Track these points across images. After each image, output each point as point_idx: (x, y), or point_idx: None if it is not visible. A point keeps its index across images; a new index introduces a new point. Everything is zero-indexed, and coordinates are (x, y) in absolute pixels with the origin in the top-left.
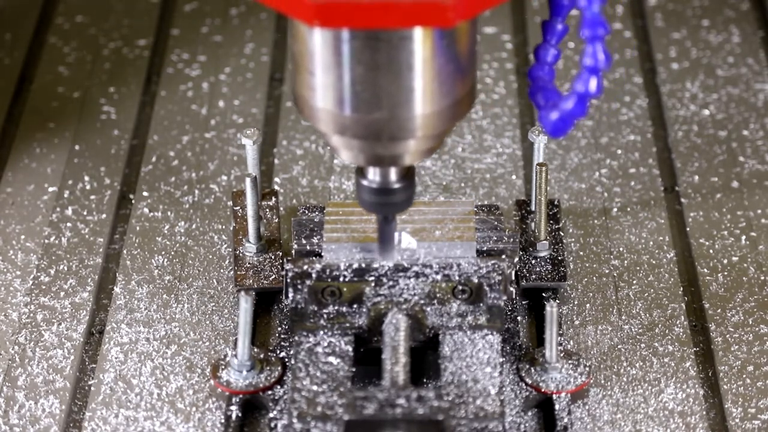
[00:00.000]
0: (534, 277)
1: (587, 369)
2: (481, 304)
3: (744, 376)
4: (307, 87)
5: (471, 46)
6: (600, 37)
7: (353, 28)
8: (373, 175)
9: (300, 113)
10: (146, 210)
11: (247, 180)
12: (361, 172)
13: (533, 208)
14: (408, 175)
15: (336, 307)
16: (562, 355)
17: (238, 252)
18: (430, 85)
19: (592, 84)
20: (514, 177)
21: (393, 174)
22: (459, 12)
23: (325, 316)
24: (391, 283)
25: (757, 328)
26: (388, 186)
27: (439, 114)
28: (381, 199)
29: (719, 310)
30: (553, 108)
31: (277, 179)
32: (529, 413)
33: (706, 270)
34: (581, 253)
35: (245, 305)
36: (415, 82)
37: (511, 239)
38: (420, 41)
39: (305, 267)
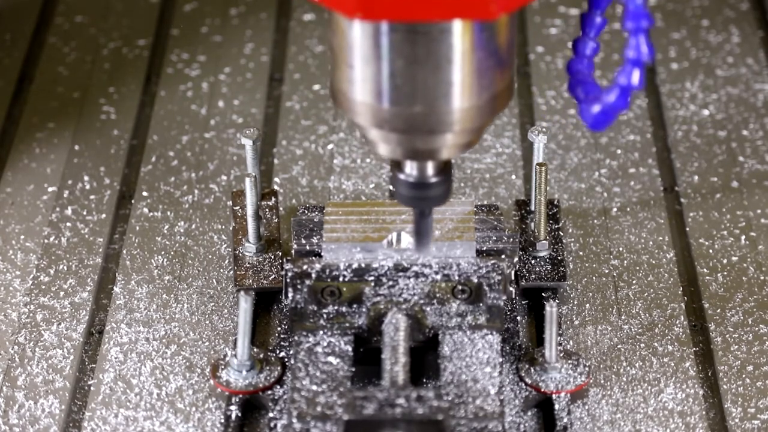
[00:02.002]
0: (534, 276)
1: (587, 369)
2: (481, 304)
3: (743, 376)
4: (346, 80)
5: (510, 39)
6: (643, 29)
7: (394, 20)
8: (411, 169)
9: (338, 107)
10: (146, 210)
11: (247, 180)
12: (398, 166)
13: (533, 208)
14: (445, 169)
15: (336, 307)
16: (561, 355)
17: (237, 252)
18: (469, 79)
19: (635, 76)
20: (513, 177)
21: (430, 168)
22: (502, 4)
23: (324, 316)
24: (390, 283)
25: (756, 328)
26: (425, 180)
27: (478, 108)
28: (418, 194)
29: (719, 310)
30: (595, 101)
31: (276, 179)
32: (529, 413)
33: (705, 270)
34: (581, 253)
35: (245, 305)
36: (454, 75)
37: (511, 239)
38: (460, 34)
39: (305, 267)
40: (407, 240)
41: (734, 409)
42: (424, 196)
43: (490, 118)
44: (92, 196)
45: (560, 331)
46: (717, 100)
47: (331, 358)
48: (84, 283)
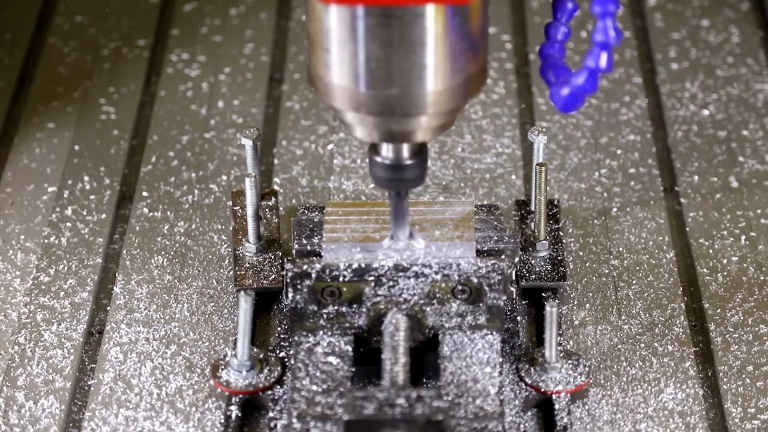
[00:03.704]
0: (534, 277)
1: (587, 369)
2: (481, 304)
3: (743, 376)
4: (323, 64)
5: (483, 23)
6: (611, 13)
7: (368, 4)
8: (386, 151)
9: (315, 91)
10: (146, 210)
11: (247, 180)
12: (374, 149)
13: (533, 208)
14: (420, 151)
15: (336, 307)
16: (561, 355)
17: (237, 252)
18: (443, 62)
19: (603, 59)
20: (513, 177)
21: (406, 150)
22: None
23: (324, 316)
24: (390, 283)
25: (756, 328)
26: (400, 162)
27: (452, 90)
28: (394, 175)
29: (719, 310)
30: (564, 84)
31: (276, 179)
32: (529, 413)
33: (705, 270)
34: (581, 253)
35: (245, 305)
36: (428, 58)
37: (512, 239)
38: (433, 18)
39: (305, 267)
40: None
41: (734, 409)
42: (400, 177)
43: (463, 101)
44: (92, 196)
45: (560, 331)
46: (717, 100)
47: (331, 358)
48: (84, 283)
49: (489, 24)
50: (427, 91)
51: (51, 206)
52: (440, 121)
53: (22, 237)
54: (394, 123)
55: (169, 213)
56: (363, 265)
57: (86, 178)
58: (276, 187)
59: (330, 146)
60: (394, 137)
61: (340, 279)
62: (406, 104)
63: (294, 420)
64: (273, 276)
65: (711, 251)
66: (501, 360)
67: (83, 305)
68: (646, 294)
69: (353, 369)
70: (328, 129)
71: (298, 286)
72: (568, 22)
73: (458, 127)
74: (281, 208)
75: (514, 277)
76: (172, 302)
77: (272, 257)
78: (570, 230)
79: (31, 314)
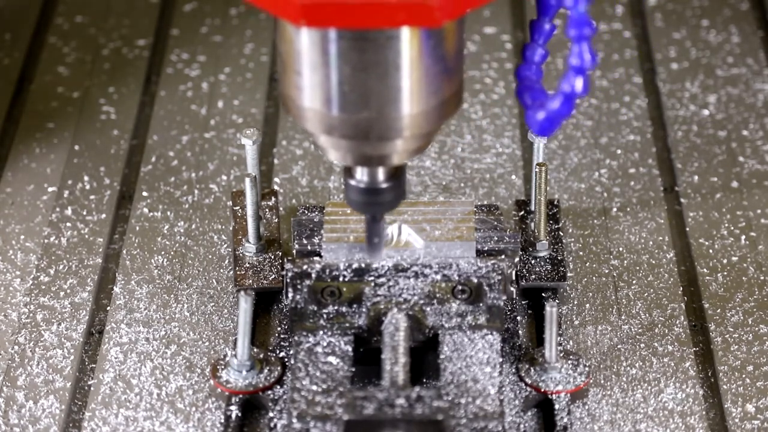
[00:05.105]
0: (534, 277)
1: (587, 369)
2: (481, 304)
3: (743, 376)
4: (295, 87)
5: (458, 45)
6: (586, 37)
7: (340, 28)
8: (361, 174)
9: (288, 113)
10: (146, 210)
11: (247, 180)
12: (348, 172)
13: (533, 208)
14: (396, 174)
15: (335, 307)
16: (561, 355)
17: (237, 252)
18: (417, 85)
19: (578, 84)
20: (513, 177)
21: (381, 174)
22: (445, 12)
23: (324, 316)
24: (390, 283)
25: (756, 328)
26: (375, 186)
27: (427, 114)
28: (369, 199)
29: (719, 310)
30: (540, 108)
31: (276, 179)
32: (529, 413)
33: (705, 270)
34: (581, 253)
35: (245, 305)
36: (402, 81)
37: (512, 239)
38: (407, 41)
39: (305, 267)
40: (407, 231)
41: (734, 409)
42: (374, 201)
43: (438, 124)
44: (92, 196)
45: (560, 331)
46: (717, 100)
47: (331, 358)
48: (84, 283)
49: (465, 45)
50: (401, 115)
51: (51, 206)
52: (415, 144)
53: (22, 237)
54: (368, 146)
55: (169, 213)
56: (363, 265)
57: (86, 178)
58: (276, 187)
59: None
60: (368, 161)
61: (340, 279)
62: (380, 128)
63: (294, 420)
64: (273, 276)
65: (711, 251)
66: (501, 360)
67: (83, 305)
68: (646, 294)
69: (353, 369)
70: None
71: (298, 286)
72: (545, 44)
73: (458, 127)
74: (281, 208)
75: (514, 277)
76: (172, 302)
77: (272, 257)
78: (570, 230)
79: (31, 314)
